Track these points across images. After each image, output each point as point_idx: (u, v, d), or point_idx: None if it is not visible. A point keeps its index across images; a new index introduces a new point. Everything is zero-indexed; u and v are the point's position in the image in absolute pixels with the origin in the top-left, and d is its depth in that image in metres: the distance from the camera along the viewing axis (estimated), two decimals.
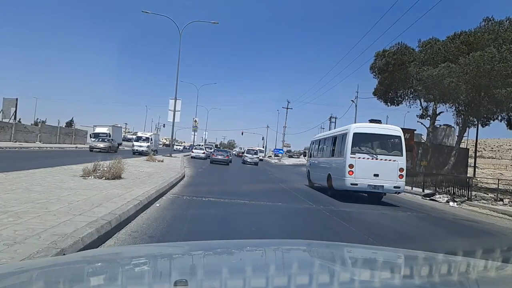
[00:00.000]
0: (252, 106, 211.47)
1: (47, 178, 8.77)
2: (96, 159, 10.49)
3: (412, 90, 28.54)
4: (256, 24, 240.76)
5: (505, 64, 21.52)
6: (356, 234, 6.97)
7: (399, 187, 12.23)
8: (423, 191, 18.15)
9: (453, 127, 31.84)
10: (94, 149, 30.30)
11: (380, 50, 29.66)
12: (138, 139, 35.86)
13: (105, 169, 9.88)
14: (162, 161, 21.92)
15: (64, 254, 3.32)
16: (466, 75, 23.12)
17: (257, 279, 1.40)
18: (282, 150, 74.77)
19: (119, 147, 39.83)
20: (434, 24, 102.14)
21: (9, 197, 5.86)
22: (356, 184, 11.95)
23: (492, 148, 77.92)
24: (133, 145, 34.77)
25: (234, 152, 70.35)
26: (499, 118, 27.90)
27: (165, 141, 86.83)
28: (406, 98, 30.81)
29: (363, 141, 12.54)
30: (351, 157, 12.07)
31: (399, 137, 12.58)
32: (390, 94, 30.67)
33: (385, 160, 12.18)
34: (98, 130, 42.91)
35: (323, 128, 60.80)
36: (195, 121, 64.08)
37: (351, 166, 12.00)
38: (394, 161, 12.17)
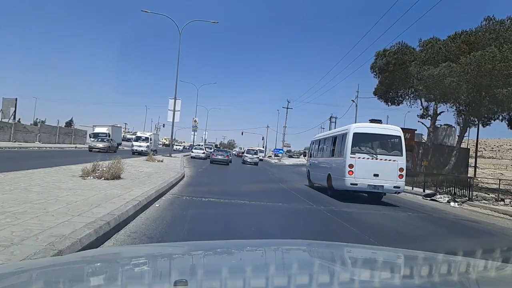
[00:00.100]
0: (252, 106, 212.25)
1: (45, 178, 8.74)
2: (95, 159, 10.46)
3: (413, 89, 28.51)
4: (256, 24, 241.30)
5: (506, 64, 21.51)
6: (357, 234, 6.96)
7: (399, 187, 12.23)
8: (423, 191, 18.12)
9: (454, 127, 31.84)
10: (94, 149, 30.27)
11: (381, 50, 29.66)
12: (138, 139, 35.87)
13: (104, 169, 9.84)
14: (161, 161, 21.90)
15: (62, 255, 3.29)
16: (467, 74, 23.11)
17: (257, 279, 1.39)
18: (282, 150, 74.68)
19: (119, 147, 39.81)
20: (434, 23, 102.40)
21: (7, 197, 5.83)
22: (356, 184, 11.95)
23: (492, 148, 77.88)
24: (132, 145, 34.78)
25: (234, 152, 70.34)
26: (500, 118, 27.96)
27: (164, 141, 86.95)
28: (407, 97, 30.79)
29: (363, 141, 12.53)
30: (351, 157, 12.06)
31: (399, 137, 12.58)
32: (390, 93, 30.64)
33: (385, 160, 12.17)
34: (97, 130, 42.83)
35: (323, 128, 60.90)
36: (195, 121, 63.98)
37: (351, 166, 12.00)
38: (394, 161, 12.17)
